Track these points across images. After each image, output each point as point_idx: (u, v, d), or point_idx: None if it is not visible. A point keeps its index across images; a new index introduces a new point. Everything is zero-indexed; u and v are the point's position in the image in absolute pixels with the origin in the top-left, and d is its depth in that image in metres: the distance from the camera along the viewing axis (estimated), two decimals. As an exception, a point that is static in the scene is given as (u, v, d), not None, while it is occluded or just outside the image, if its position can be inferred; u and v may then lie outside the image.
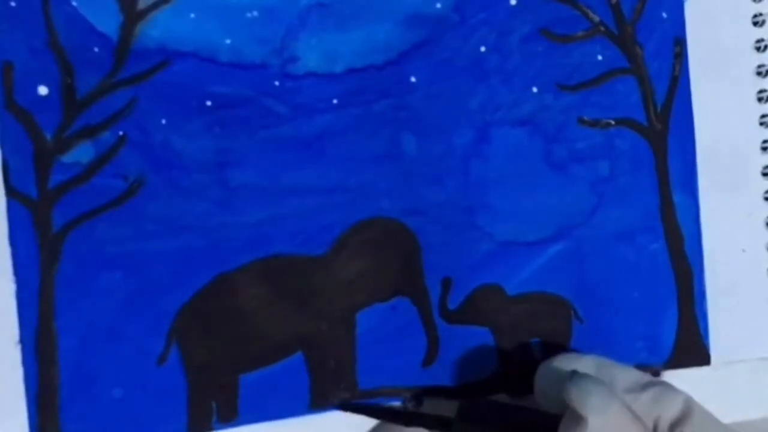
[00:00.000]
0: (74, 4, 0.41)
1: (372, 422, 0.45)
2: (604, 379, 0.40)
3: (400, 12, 0.43)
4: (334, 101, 0.43)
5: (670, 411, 0.39)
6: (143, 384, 0.42)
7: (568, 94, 0.45)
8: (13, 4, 0.41)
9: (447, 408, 0.44)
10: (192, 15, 0.42)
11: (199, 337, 0.43)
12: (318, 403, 0.44)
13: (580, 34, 0.45)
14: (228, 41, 0.42)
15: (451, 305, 0.45)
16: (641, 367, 0.46)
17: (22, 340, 0.41)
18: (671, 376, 0.47)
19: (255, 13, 0.42)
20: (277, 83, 0.43)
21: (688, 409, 0.39)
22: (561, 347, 0.46)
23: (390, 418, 0.44)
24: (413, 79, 0.44)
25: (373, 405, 0.45)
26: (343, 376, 0.44)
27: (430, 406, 0.45)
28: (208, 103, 0.42)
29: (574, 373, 0.40)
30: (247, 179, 0.43)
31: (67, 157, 0.41)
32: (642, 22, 0.46)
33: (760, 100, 0.47)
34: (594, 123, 0.46)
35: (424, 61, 0.44)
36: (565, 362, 0.42)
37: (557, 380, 0.40)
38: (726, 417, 0.46)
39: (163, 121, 0.42)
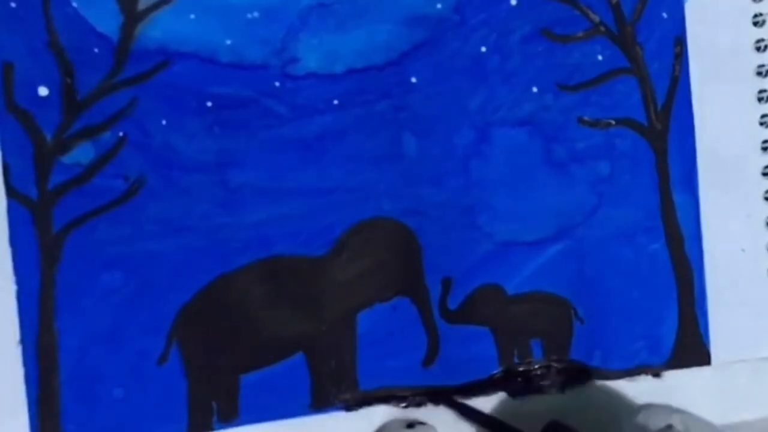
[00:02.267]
0: (74, 4, 0.41)
1: (372, 423, 0.45)
2: None
3: (400, 12, 0.43)
4: (335, 102, 0.43)
5: None
6: (144, 384, 0.42)
7: (568, 94, 0.45)
8: (13, 4, 0.40)
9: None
10: (192, 16, 0.42)
11: (199, 337, 0.43)
12: (319, 403, 0.44)
13: (580, 34, 0.45)
14: (228, 42, 0.42)
15: (451, 305, 0.45)
16: (641, 367, 0.46)
17: (23, 341, 0.41)
18: (671, 376, 0.47)
19: (255, 14, 0.42)
20: (277, 84, 0.43)
21: None
22: (561, 347, 0.46)
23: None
24: (414, 80, 0.44)
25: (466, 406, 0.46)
26: (344, 376, 0.44)
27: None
28: (209, 103, 0.42)
29: (669, 428, 0.41)
30: (248, 180, 0.43)
31: (68, 158, 0.41)
32: (642, 22, 0.45)
33: (760, 100, 0.47)
34: (594, 123, 0.46)
35: (425, 62, 0.44)
36: (654, 416, 0.43)
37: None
38: (726, 417, 0.47)
39: (164, 122, 0.42)
